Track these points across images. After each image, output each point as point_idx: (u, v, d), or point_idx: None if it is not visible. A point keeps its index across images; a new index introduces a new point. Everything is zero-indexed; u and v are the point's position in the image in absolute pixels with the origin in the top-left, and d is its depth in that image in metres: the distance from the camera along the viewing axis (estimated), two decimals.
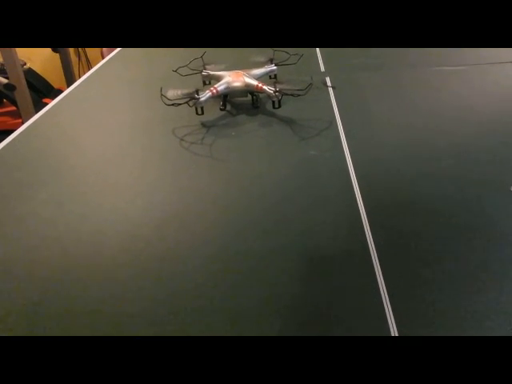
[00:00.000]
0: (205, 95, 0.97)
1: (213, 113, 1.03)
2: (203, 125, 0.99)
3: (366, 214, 0.68)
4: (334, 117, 0.99)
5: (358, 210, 0.69)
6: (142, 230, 0.68)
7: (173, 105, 0.94)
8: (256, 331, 0.50)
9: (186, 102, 0.95)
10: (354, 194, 0.73)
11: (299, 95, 0.96)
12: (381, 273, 0.57)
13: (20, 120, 2.52)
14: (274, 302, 0.54)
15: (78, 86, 1.27)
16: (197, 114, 0.99)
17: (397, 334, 0.49)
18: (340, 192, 0.74)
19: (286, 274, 0.58)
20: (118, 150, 0.91)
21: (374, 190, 0.74)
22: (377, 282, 0.56)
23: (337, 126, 0.95)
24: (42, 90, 2.76)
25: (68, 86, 1.12)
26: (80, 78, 1.34)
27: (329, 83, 1.17)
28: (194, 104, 0.96)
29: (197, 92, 0.96)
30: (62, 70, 2.98)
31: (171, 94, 0.97)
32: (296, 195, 0.73)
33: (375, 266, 0.58)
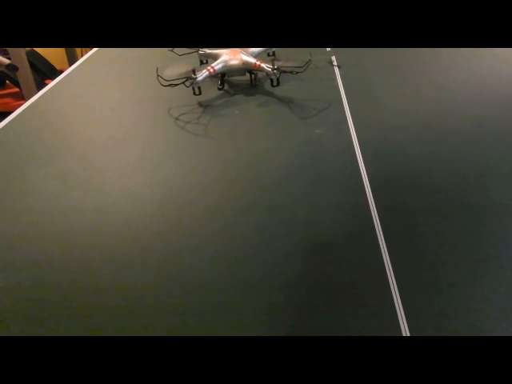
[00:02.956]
0: (202, 75, 0.96)
1: (211, 93, 1.02)
2: (201, 105, 0.98)
3: (372, 193, 0.67)
4: (340, 96, 0.97)
5: (364, 189, 0.68)
6: (146, 206, 0.68)
7: (169, 85, 0.93)
8: (259, 304, 0.51)
9: (183, 83, 0.94)
10: (360, 173, 0.72)
11: (298, 72, 0.95)
12: (386, 249, 0.57)
13: (23, 102, 2.51)
14: (276, 279, 0.54)
15: (79, 66, 1.26)
16: (194, 94, 0.98)
17: (401, 305, 0.49)
18: (346, 171, 0.73)
19: (291, 252, 0.58)
20: (120, 128, 0.90)
21: (379, 169, 0.73)
22: (382, 258, 0.56)
23: (342, 105, 0.93)
24: (44, 72, 2.74)
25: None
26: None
27: (334, 62, 1.15)
28: (191, 84, 0.95)
29: (193, 71, 0.95)
30: (64, 52, 2.95)
31: (168, 73, 0.96)
32: (301, 173, 0.73)
33: (380, 243, 0.58)
